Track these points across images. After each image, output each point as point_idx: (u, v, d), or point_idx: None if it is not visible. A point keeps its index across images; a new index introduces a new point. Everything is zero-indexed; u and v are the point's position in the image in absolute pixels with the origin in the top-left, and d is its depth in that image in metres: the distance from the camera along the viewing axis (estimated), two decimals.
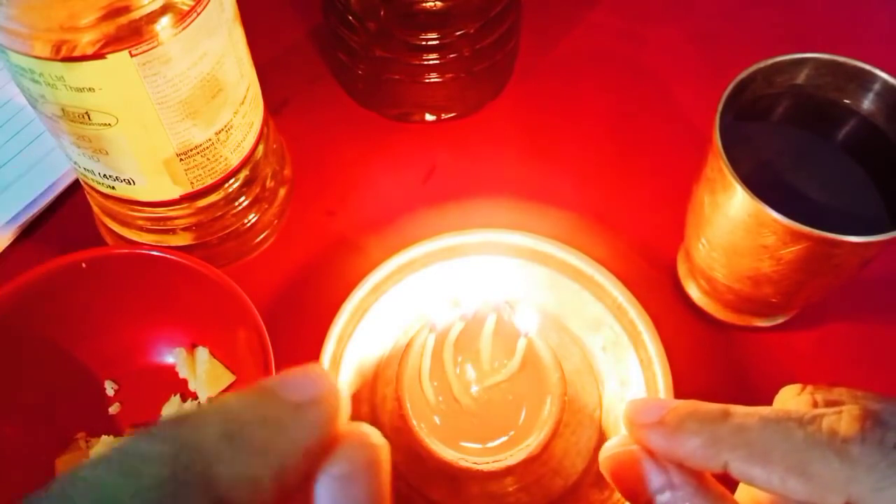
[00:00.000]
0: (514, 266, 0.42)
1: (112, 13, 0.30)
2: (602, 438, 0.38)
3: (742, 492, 0.28)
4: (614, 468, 0.28)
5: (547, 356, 0.36)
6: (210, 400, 0.25)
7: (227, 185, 0.40)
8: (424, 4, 0.43)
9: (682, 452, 0.26)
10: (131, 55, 0.31)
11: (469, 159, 0.49)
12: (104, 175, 0.37)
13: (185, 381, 0.40)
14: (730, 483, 0.26)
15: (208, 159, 0.38)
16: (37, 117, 0.36)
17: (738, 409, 0.25)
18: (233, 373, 0.40)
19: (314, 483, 0.20)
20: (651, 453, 0.27)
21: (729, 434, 0.25)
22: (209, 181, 0.39)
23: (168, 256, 0.38)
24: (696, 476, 0.26)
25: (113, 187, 0.38)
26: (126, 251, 0.40)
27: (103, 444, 0.37)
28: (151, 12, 0.31)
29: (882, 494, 0.22)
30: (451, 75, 0.47)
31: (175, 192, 0.38)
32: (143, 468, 0.17)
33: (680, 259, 0.44)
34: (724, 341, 0.42)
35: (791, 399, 0.26)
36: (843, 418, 0.23)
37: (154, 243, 0.41)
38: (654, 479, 0.26)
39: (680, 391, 0.38)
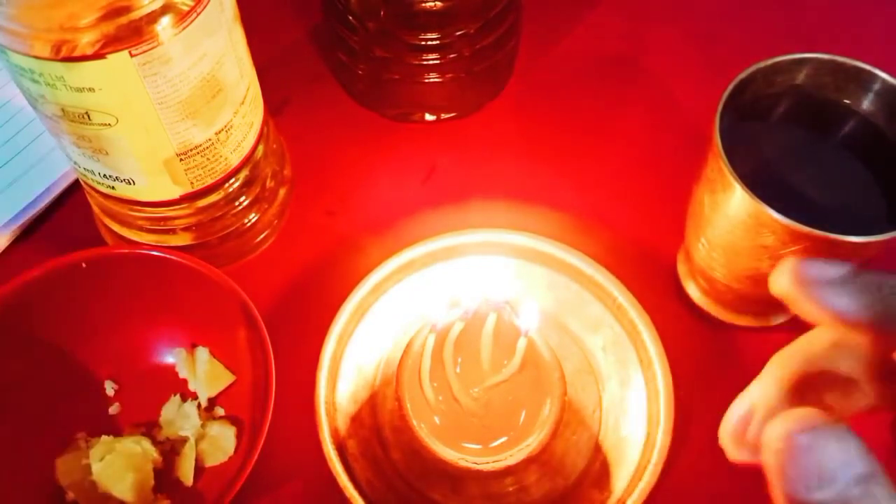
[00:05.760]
0: (513, 266, 0.42)
1: (112, 13, 0.30)
2: (602, 438, 0.38)
3: None
4: (780, 446, 0.18)
5: (547, 356, 0.36)
6: None
7: (227, 185, 0.40)
8: (424, 4, 0.43)
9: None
10: (131, 55, 0.31)
11: (469, 159, 0.49)
12: (104, 175, 0.37)
13: (185, 381, 0.40)
14: None
15: (208, 159, 0.38)
16: (37, 117, 0.36)
17: None
18: (233, 373, 0.40)
19: None
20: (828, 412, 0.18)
21: None
22: (209, 181, 0.39)
23: (168, 256, 0.38)
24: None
25: (113, 187, 0.38)
26: (126, 251, 0.40)
27: (103, 444, 0.37)
28: (151, 12, 0.31)
29: None
30: (450, 75, 0.47)
31: (175, 192, 0.38)
32: None
33: (680, 259, 0.44)
34: (724, 341, 0.42)
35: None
36: None
37: (154, 243, 0.41)
38: (858, 464, 0.17)
39: (680, 391, 0.38)
